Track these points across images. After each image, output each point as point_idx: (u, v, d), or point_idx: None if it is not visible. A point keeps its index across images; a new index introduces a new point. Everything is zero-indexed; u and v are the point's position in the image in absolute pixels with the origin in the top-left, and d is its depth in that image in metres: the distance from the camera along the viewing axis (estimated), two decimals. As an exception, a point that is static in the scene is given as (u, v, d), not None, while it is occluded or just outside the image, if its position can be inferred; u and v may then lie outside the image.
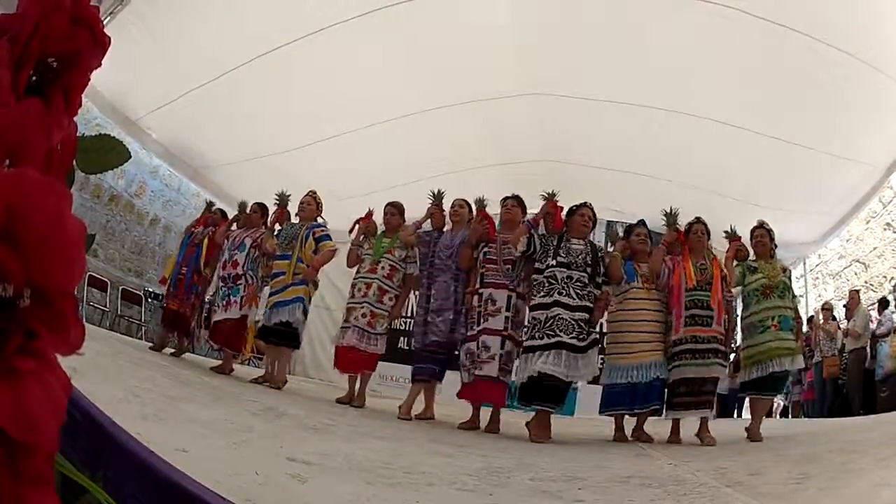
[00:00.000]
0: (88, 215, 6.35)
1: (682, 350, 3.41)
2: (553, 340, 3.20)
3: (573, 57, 5.18)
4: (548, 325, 3.24)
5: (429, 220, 4.10)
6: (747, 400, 3.86)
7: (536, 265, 3.45)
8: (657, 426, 3.67)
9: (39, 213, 0.24)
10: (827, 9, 4.23)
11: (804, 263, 7.37)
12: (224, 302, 4.28)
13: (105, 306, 6.48)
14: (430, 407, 3.80)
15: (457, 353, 3.69)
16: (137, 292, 7.03)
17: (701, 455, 2.82)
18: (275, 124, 6.12)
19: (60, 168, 0.32)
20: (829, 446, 2.82)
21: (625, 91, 5.33)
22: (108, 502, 0.35)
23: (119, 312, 6.67)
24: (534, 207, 3.73)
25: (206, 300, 4.86)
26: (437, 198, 4.07)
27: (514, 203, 3.74)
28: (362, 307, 3.88)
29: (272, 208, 4.55)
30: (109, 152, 0.42)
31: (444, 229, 3.99)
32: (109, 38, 0.34)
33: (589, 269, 3.36)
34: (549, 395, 3.22)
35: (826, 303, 6.71)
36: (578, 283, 3.31)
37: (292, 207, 4.45)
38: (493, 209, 3.84)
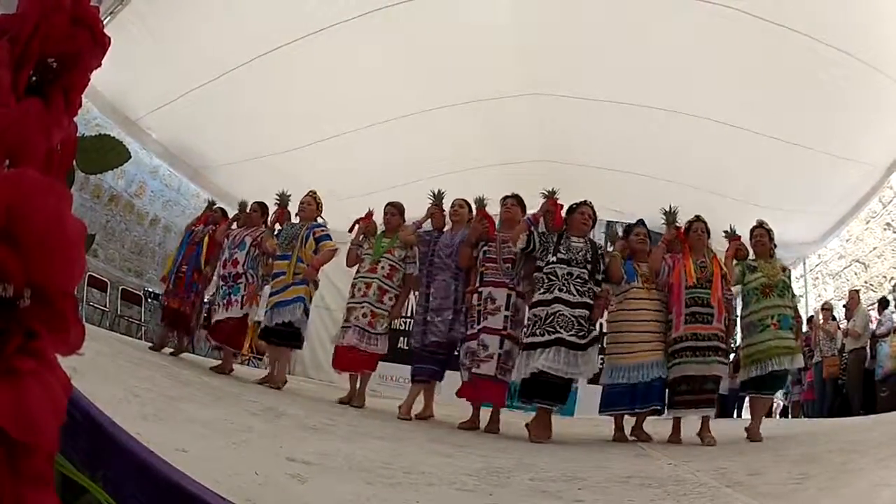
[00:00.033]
0: (88, 215, 6.35)
1: (683, 348, 3.41)
2: (553, 337, 3.20)
3: (573, 57, 5.18)
4: (548, 321, 3.24)
5: (429, 220, 4.10)
6: (747, 400, 3.87)
7: (537, 263, 3.45)
8: (657, 425, 3.67)
9: (39, 214, 0.24)
10: (827, 9, 4.23)
11: (804, 263, 7.37)
12: (224, 301, 4.28)
13: (105, 306, 6.48)
14: (429, 406, 3.80)
15: (456, 352, 3.69)
16: (137, 292, 7.03)
17: (701, 455, 2.82)
18: (275, 124, 6.12)
19: (60, 168, 0.33)
20: (828, 446, 2.82)
21: (625, 91, 5.34)
22: (108, 502, 0.35)
23: (119, 312, 6.67)
24: (534, 207, 3.73)
25: (206, 300, 4.86)
26: (438, 198, 4.08)
27: (513, 202, 3.74)
28: (362, 307, 3.88)
29: (272, 208, 4.55)
30: (109, 152, 0.42)
31: (444, 229, 3.99)
32: (109, 39, 0.34)
33: (589, 266, 3.37)
34: (549, 392, 3.22)
35: (826, 303, 6.71)
36: (579, 280, 3.32)
37: (292, 207, 4.45)
38: (493, 209, 3.85)
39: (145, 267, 7.36)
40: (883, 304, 5.88)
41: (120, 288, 6.76)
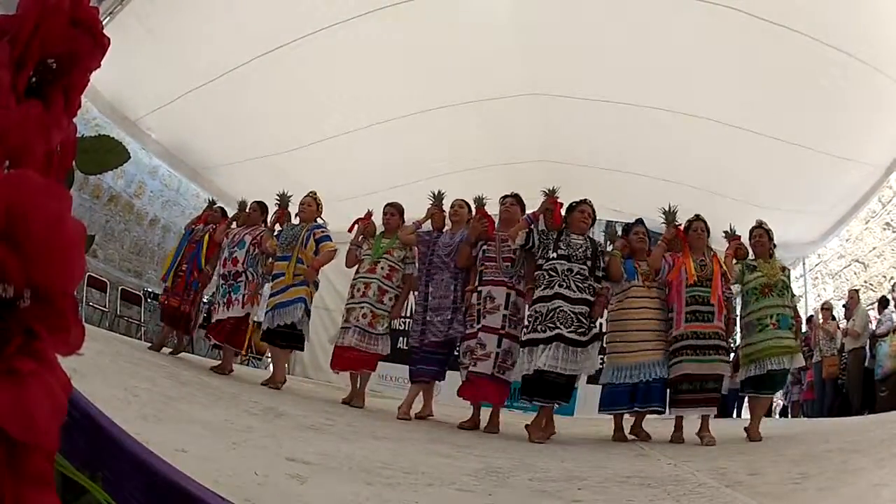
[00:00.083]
0: (88, 215, 6.35)
1: (684, 346, 3.42)
2: (553, 333, 3.20)
3: (573, 57, 5.18)
4: (548, 317, 3.24)
5: (429, 221, 4.10)
6: (746, 399, 3.87)
7: (538, 261, 3.45)
8: (657, 424, 3.68)
9: (39, 215, 0.24)
10: (827, 9, 4.23)
11: (804, 263, 7.37)
12: (225, 300, 4.28)
13: (104, 307, 6.48)
14: (428, 405, 3.80)
15: (456, 351, 3.69)
16: (137, 292, 7.03)
17: (700, 455, 2.82)
18: (274, 124, 6.12)
19: (60, 169, 0.33)
20: (828, 446, 2.82)
21: (625, 91, 5.34)
22: (108, 502, 0.35)
23: (118, 313, 6.67)
24: (533, 207, 3.73)
25: (206, 299, 4.86)
26: (437, 198, 4.08)
27: (512, 201, 3.74)
28: (362, 307, 3.87)
29: (272, 208, 4.55)
30: (109, 153, 0.42)
31: (444, 229, 3.99)
32: (109, 40, 0.34)
33: (589, 263, 3.37)
34: (550, 391, 3.22)
35: (825, 302, 6.71)
36: (579, 276, 3.32)
37: (292, 208, 4.45)
38: (493, 209, 3.85)
39: (145, 267, 7.37)
40: (883, 303, 5.88)
41: (119, 288, 6.76)
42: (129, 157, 0.44)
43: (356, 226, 4.26)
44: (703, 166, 6.02)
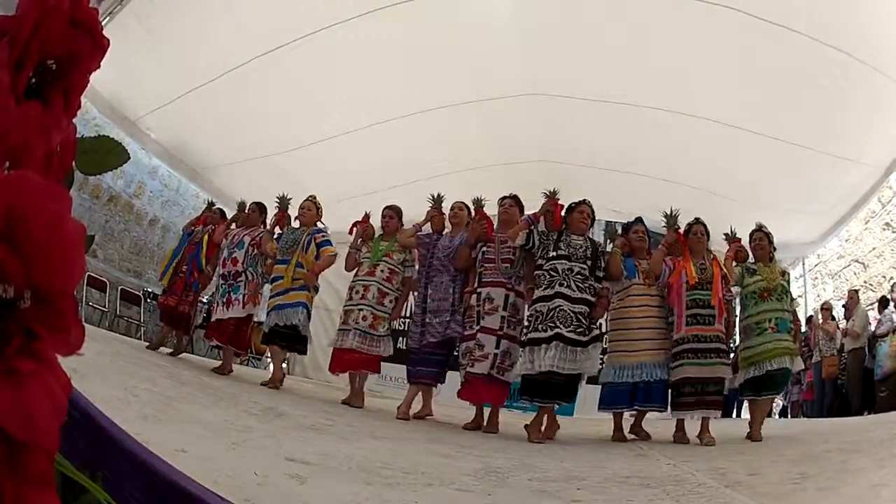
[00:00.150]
0: (87, 215, 6.35)
1: (685, 350, 3.42)
2: (552, 333, 3.20)
3: (573, 57, 5.18)
4: (549, 316, 3.24)
5: (429, 223, 4.10)
6: (746, 402, 3.87)
7: (538, 261, 3.46)
8: (657, 425, 3.68)
9: (39, 216, 0.24)
10: (827, 9, 4.23)
11: (803, 263, 7.37)
12: (224, 299, 4.28)
13: (104, 306, 6.48)
14: (427, 405, 3.80)
15: (455, 352, 3.69)
16: (136, 292, 7.03)
17: (700, 455, 2.83)
18: (274, 124, 6.12)
19: (60, 170, 0.33)
20: (828, 446, 2.82)
21: (625, 91, 5.34)
22: (108, 502, 0.35)
23: (118, 313, 6.67)
24: (533, 208, 3.74)
25: (206, 300, 4.85)
26: (437, 201, 4.07)
27: (511, 203, 3.74)
28: (361, 310, 3.87)
29: (271, 209, 4.55)
30: (108, 154, 0.42)
31: (444, 232, 3.99)
32: (108, 40, 0.34)
33: (589, 263, 3.37)
34: (551, 392, 3.22)
35: (825, 303, 6.71)
36: (579, 276, 3.32)
37: (292, 211, 4.45)
38: (492, 210, 3.85)
39: (144, 267, 7.37)
40: (883, 303, 5.88)
41: (119, 288, 6.76)
42: (129, 158, 0.44)
43: (355, 229, 4.25)
44: (702, 166, 6.02)
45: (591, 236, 3.63)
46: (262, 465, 1.48)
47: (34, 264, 0.25)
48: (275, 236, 4.37)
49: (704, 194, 5.82)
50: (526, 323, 3.46)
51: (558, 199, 3.59)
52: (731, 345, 3.80)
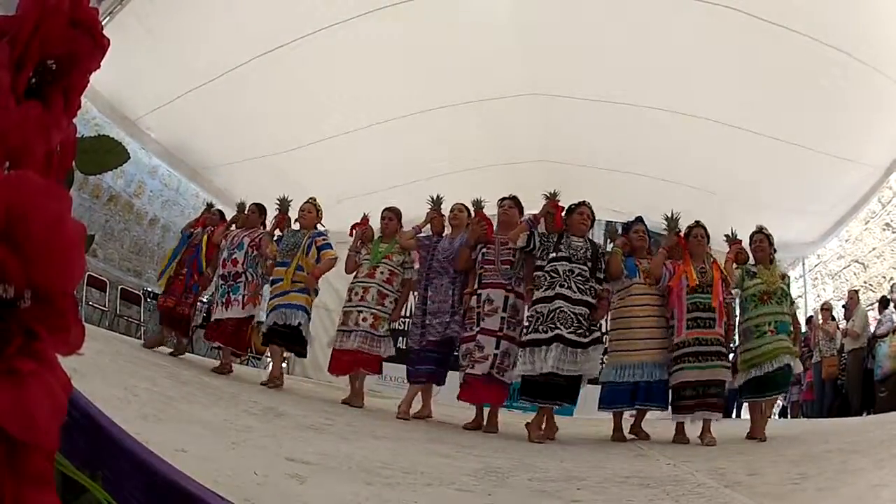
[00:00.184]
0: (87, 215, 6.35)
1: (686, 353, 3.42)
2: (553, 334, 3.20)
3: (573, 57, 5.18)
4: (549, 318, 3.24)
5: (428, 225, 4.10)
6: (747, 404, 3.87)
7: (538, 262, 3.46)
8: (657, 425, 3.68)
9: (39, 216, 0.24)
10: (827, 9, 4.23)
11: (803, 264, 7.37)
12: (224, 299, 4.28)
13: (104, 306, 6.48)
14: (427, 405, 3.80)
15: (456, 352, 3.70)
16: (136, 292, 7.03)
17: (700, 455, 2.83)
18: (274, 124, 6.12)
19: (60, 170, 0.33)
20: (827, 446, 2.82)
21: (625, 91, 5.34)
22: (108, 502, 0.35)
23: (118, 312, 6.67)
24: (533, 208, 3.74)
25: (205, 300, 4.85)
26: (437, 202, 4.07)
27: (511, 204, 3.74)
28: (361, 311, 3.87)
29: (271, 209, 4.55)
30: (108, 153, 0.42)
31: (444, 234, 3.99)
32: (108, 40, 0.34)
33: (589, 264, 3.37)
34: (551, 393, 3.22)
35: (825, 303, 6.71)
36: (580, 278, 3.32)
37: (292, 213, 4.45)
38: (491, 211, 3.84)
39: (144, 267, 7.37)
40: (883, 303, 5.88)
41: (119, 288, 6.76)
42: (129, 158, 0.44)
43: (354, 231, 4.25)
44: (702, 166, 6.02)
45: (591, 237, 3.63)
46: (261, 464, 1.48)
47: (34, 264, 0.25)
48: (275, 238, 4.36)
49: (704, 194, 5.82)
50: (525, 323, 3.46)
51: (559, 201, 3.59)
52: (731, 346, 3.80)
